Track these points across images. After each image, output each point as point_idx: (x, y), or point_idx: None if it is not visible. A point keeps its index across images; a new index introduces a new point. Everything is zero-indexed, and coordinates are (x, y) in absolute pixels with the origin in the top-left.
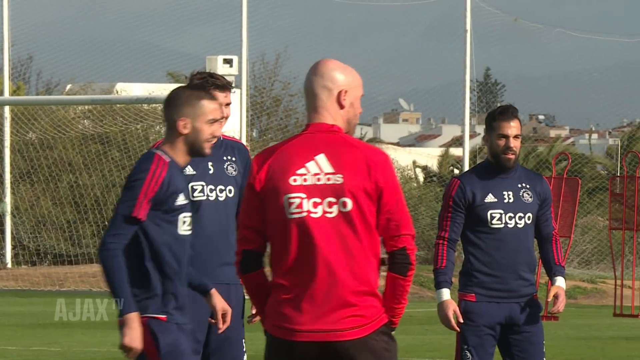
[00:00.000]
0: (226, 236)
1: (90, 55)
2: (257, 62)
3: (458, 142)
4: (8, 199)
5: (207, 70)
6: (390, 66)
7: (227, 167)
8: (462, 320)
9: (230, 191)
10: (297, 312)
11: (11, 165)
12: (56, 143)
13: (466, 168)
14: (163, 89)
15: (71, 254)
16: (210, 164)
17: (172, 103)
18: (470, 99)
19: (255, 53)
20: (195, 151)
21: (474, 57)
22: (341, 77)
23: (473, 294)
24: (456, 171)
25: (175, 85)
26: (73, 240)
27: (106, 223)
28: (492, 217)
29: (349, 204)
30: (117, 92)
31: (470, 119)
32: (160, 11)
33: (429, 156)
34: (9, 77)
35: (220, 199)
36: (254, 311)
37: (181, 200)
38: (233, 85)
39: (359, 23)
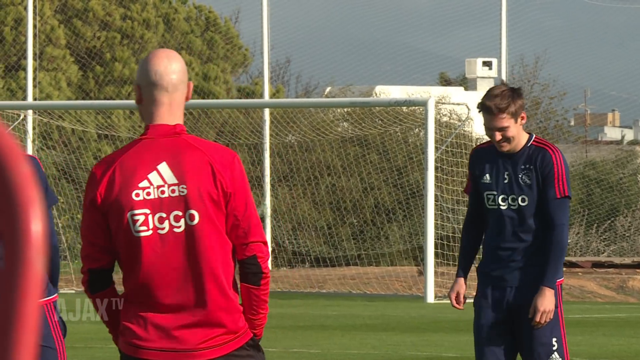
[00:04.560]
0: (519, 241)
1: (350, 58)
2: (516, 65)
3: None
4: (268, 201)
5: (466, 74)
6: None
7: (522, 175)
8: None
9: (523, 200)
10: (147, 329)
11: (270, 167)
12: (315, 146)
13: None
14: (422, 92)
15: (331, 256)
16: (507, 173)
17: None
18: None
19: (515, 55)
20: None
21: None
22: (185, 67)
23: None
24: None
25: (441, 89)
26: (332, 243)
27: (364, 226)
28: None
29: (196, 216)
30: (376, 94)
31: None
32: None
33: None
34: (269, 80)
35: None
36: None
37: None
38: (505, 106)
39: (628, 27)
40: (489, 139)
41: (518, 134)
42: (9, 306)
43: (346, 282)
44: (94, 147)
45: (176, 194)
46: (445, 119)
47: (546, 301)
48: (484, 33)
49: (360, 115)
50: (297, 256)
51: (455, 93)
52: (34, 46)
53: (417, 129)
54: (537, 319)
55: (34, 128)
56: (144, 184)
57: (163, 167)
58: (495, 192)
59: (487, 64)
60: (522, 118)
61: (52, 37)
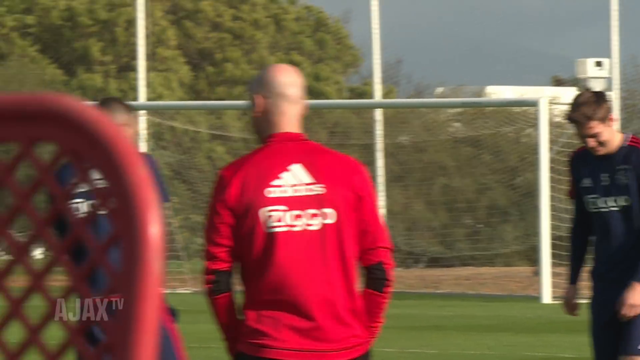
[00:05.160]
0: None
1: (461, 58)
2: (628, 64)
3: None
4: (382, 201)
5: (577, 75)
6: None
7: (619, 175)
8: None
9: (626, 200)
10: (278, 329)
11: (384, 168)
12: (427, 146)
13: None
14: (534, 92)
15: (445, 256)
16: (605, 175)
17: None
18: None
19: (627, 55)
20: None
21: None
22: (303, 86)
23: None
24: None
25: (552, 89)
26: (446, 243)
27: (479, 226)
28: None
29: (333, 215)
30: (487, 95)
31: None
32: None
33: None
34: (380, 81)
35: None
36: None
37: None
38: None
39: None
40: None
41: (611, 136)
42: (129, 309)
43: (461, 283)
44: (206, 148)
45: (313, 192)
46: (557, 119)
47: (635, 295)
48: (595, 33)
49: (472, 116)
50: (412, 256)
51: (567, 93)
52: (146, 47)
53: (529, 129)
54: (623, 312)
55: (146, 129)
56: (278, 182)
57: (297, 168)
58: (596, 195)
59: (599, 64)
60: (610, 120)
61: (163, 38)
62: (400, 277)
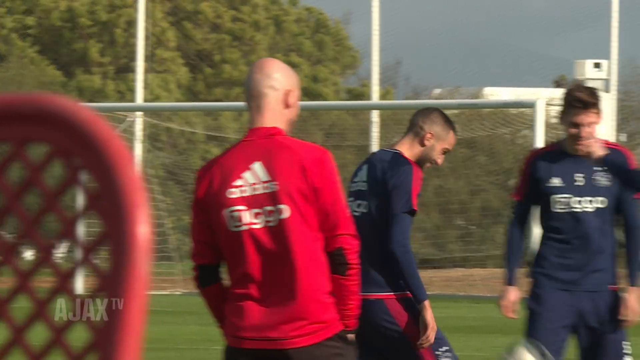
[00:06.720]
0: (597, 244)
1: (459, 60)
2: (626, 66)
3: None
4: None
5: (576, 76)
6: None
7: (597, 177)
8: None
9: (602, 202)
10: (245, 320)
11: None
12: None
13: None
14: (531, 94)
15: (437, 257)
16: (580, 175)
17: (428, 116)
18: None
19: (625, 57)
20: (420, 164)
21: None
22: (287, 77)
23: None
24: None
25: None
26: (438, 245)
27: (471, 228)
28: None
29: (287, 210)
30: (484, 96)
31: None
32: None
33: None
34: (378, 82)
35: (587, 210)
36: None
37: None
38: (595, 101)
39: None
40: (543, 147)
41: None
42: (115, 309)
43: (452, 284)
44: (201, 149)
45: (268, 190)
46: (554, 120)
47: (637, 300)
48: (594, 35)
49: (469, 117)
50: None
51: None
52: (145, 48)
53: (525, 131)
54: (629, 318)
55: (143, 130)
56: (239, 182)
57: (257, 166)
58: (568, 195)
59: (597, 66)
60: (600, 119)
61: (162, 39)
62: None
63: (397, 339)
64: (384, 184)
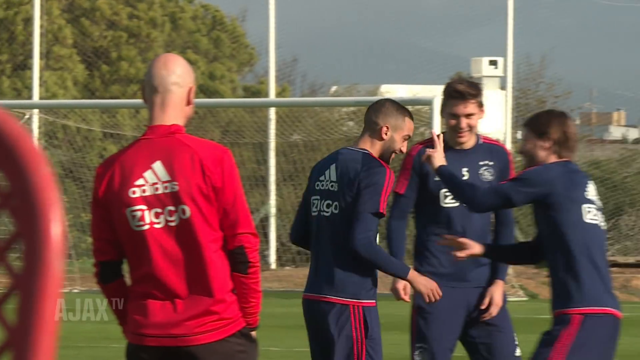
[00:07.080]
0: (484, 239)
1: (356, 57)
2: (522, 64)
3: None
4: (273, 200)
5: (472, 73)
6: None
7: (483, 171)
8: None
9: None
10: (147, 318)
11: (275, 166)
12: (320, 145)
13: None
14: (428, 91)
15: None
16: (465, 169)
17: (379, 110)
18: None
19: (521, 54)
20: (385, 157)
21: None
22: (189, 73)
23: None
24: None
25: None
26: None
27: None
28: None
29: (188, 210)
30: (381, 93)
31: None
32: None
33: None
34: (275, 79)
35: None
36: None
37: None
38: (475, 92)
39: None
40: (427, 139)
41: (477, 128)
42: (28, 308)
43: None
44: (98, 146)
45: (169, 190)
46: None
47: (502, 294)
48: (491, 32)
49: None
50: (302, 255)
51: None
52: (41, 45)
53: (422, 128)
54: (494, 312)
55: (39, 127)
56: (140, 182)
57: (157, 166)
58: None
59: (493, 63)
60: (482, 112)
61: (59, 36)
62: (289, 275)
63: (346, 346)
64: (357, 184)
